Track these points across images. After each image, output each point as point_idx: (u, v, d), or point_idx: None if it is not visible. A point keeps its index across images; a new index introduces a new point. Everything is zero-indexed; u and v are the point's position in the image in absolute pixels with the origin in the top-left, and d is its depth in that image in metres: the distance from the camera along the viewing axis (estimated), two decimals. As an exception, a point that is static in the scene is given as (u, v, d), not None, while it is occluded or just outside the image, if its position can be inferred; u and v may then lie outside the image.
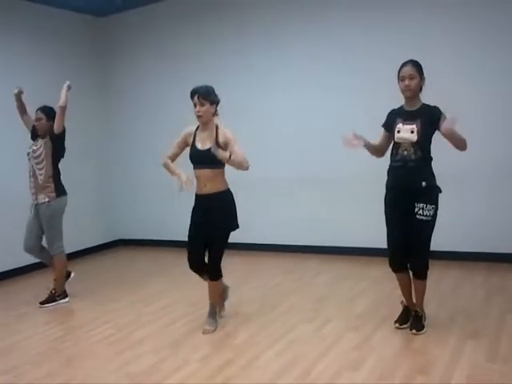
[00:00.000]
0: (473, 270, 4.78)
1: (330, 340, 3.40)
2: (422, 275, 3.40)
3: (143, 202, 6.88)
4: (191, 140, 3.66)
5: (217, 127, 3.60)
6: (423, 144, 3.28)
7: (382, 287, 4.31)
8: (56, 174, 4.54)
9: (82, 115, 6.60)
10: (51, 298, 4.55)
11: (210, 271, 3.70)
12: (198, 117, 3.57)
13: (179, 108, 6.30)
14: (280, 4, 5.74)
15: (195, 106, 3.56)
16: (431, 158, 3.37)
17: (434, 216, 3.31)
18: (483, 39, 4.89)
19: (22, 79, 5.83)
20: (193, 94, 3.56)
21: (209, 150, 3.50)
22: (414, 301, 3.51)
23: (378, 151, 3.56)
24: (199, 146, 3.60)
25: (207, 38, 6.23)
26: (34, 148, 4.51)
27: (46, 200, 4.46)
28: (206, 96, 3.52)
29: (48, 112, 4.52)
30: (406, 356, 3.11)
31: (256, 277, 5.07)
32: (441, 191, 3.36)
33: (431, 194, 3.31)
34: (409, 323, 3.49)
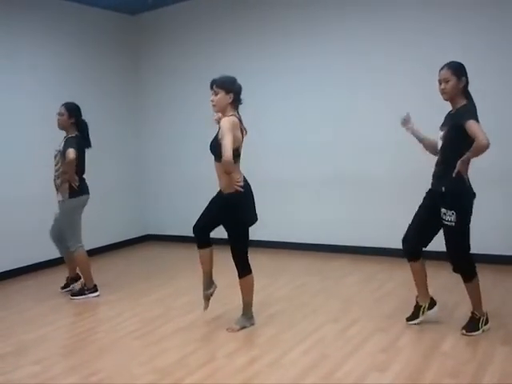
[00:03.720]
0: (507, 274, 4.66)
1: (356, 341, 3.37)
2: (464, 279, 3.37)
3: (173, 198, 6.94)
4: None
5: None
6: (448, 149, 3.27)
7: (410, 288, 4.23)
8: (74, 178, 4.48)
9: (113, 113, 6.72)
10: (81, 291, 4.64)
11: (236, 267, 3.69)
12: (213, 106, 3.51)
13: (209, 107, 6.39)
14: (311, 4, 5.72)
15: (212, 94, 3.50)
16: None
17: (459, 222, 3.22)
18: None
19: (57, 77, 5.99)
20: (210, 84, 3.52)
21: (212, 140, 3.46)
22: (422, 296, 3.55)
23: (428, 147, 3.56)
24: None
25: (240, 37, 6.23)
26: (57, 148, 4.54)
27: (61, 199, 4.52)
28: (220, 84, 3.46)
29: (70, 108, 4.53)
30: (434, 358, 3.05)
31: (283, 275, 5.05)
32: (474, 196, 3.27)
33: (452, 199, 3.25)
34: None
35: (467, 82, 3.27)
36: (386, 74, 5.35)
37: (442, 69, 3.28)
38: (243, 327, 3.68)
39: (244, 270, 3.69)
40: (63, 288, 4.86)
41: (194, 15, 6.51)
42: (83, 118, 4.63)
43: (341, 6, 5.54)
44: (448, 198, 3.26)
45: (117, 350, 3.47)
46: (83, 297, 4.61)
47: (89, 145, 4.63)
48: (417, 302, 3.59)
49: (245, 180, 3.56)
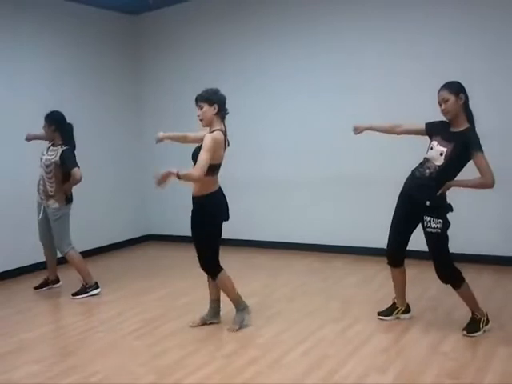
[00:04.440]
0: (506, 275, 4.66)
1: (357, 341, 3.37)
2: (453, 287, 3.43)
3: (174, 197, 6.93)
4: None
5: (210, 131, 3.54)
6: (447, 169, 3.29)
7: (411, 289, 4.24)
8: (63, 187, 4.59)
9: (113, 113, 6.71)
10: (82, 290, 4.65)
11: (208, 270, 3.71)
12: (200, 121, 3.58)
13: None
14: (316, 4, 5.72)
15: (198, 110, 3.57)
16: (452, 178, 3.33)
17: (444, 228, 3.31)
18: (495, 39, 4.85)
19: (56, 77, 5.99)
20: (195, 100, 3.58)
21: (196, 149, 3.55)
22: (400, 300, 3.69)
23: (390, 131, 3.73)
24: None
25: (241, 37, 6.22)
26: (47, 157, 4.58)
27: (57, 206, 4.58)
28: (203, 98, 3.52)
29: (48, 118, 4.59)
30: (435, 359, 3.05)
31: (283, 275, 5.05)
32: (451, 210, 3.36)
33: (438, 209, 3.33)
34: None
35: (467, 100, 3.29)
36: (386, 73, 5.35)
37: (439, 90, 3.31)
38: (242, 321, 3.70)
39: (217, 270, 3.68)
40: (37, 288, 4.91)
41: (195, 16, 6.50)
42: (68, 122, 4.68)
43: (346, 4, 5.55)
44: (434, 209, 3.33)
45: (117, 349, 3.47)
46: (85, 295, 4.62)
47: (74, 148, 4.67)
48: (394, 303, 3.72)
49: (218, 192, 3.68)
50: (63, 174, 4.58)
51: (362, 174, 5.56)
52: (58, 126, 4.59)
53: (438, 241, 3.36)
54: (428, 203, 3.34)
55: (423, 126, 3.54)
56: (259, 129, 6.19)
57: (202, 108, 3.53)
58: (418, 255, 4.44)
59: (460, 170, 3.34)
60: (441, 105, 3.28)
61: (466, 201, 4.54)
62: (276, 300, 4.30)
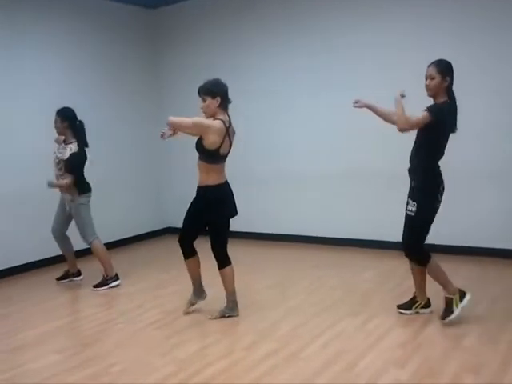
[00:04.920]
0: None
1: (375, 335, 3.35)
2: (417, 264, 3.52)
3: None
4: None
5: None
6: (422, 143, 3.40)
7: (430, 285, 4.20)
8: (77, 181, 4.61)
9: (133, 109, 6.74)
10: (103, 282, 4.71)
11: (216, 259, 3.80)
12: (203, 113, 3.62)
13: (233, 100, 6.37)
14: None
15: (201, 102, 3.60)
16: (428, 160, 3.39)
17: (418, 214, 3.36)
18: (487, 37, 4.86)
19: (76, 71, 6.04)
20: (198, 92, 3.61)
21: (198, 139, 3.58)
22: (419, 294, 3.65)
23: (388, 118, 3.63)
24: None
25: (261, 30, 6.18)
26: (58, 155, 4.64)
27: (69, 198, 4.64)
28: (205, 90, 3.56)
29: (62, 114, 4.60)
30: (454, 354, 3.02)
31: (301, 269, 5.04)
32: (434, 194, 3.37)
33: (418, 191, 3.40)
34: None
35: (451, 83, 3.35)
36: (393, 68, 5.30)
37: (429, 65, 3.35)
38: (223, 316, 3.79)
39: (224, 261, 3.78)
40: (59, 279, 4.98)
41: (213, 9, 6.48)
42: (79, 119, 4.69)
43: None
44: (415, 191, 3.42)
45: (137, 341, 3.51)
46: (106, 287, 4.67)
47: (86, 145, 4.71)
48: (414, 297, 3.69)
49: (226, 182, 3.75)
50: (73, 170, 4.62)
51: (378, 168, 5.50)
52: (71, 123, 4.62)
53: (410, 224, 3.43)
54: (413, 183, 3.44)
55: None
56: (277, 124, 6.17)
57: (205, 100, 3.57)
58: (443, 249, 4.42)
59: (436, 142, 3.36)
60: (426, 79, 3.34)
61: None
62: (294, 293, 4.30)
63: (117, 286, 4.72)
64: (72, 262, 4.99)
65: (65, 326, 3.87)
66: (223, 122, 3.59)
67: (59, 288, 4.85)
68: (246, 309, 3.91)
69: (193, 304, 3.97)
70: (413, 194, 3.44)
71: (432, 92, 3.34)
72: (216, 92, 3.55)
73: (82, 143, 4.65)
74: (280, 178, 6.20)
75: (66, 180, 4.54)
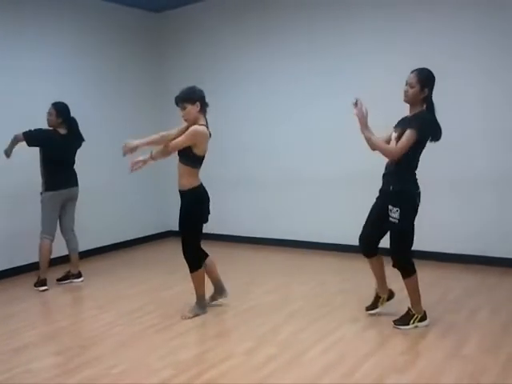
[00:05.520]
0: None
1: (376, 341, 3.35)
2: (402, 275, 3.49)
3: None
4: None
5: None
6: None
7: (433, 291, 4.20)
8: (46, 172, 4.76)
9: (136, 111, 6.77)
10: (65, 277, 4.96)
11: (187, 262, 3.90)
12: (185, 121, 3.72)
13: (236, 103, 6.40)
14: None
15: (180, 111, 3.70)
16: (408, 165, 3.38)
17: (403, 219, 3.34)
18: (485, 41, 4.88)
19: (84, 73, 6.08)
20: (175, 101, 3.69)
21: (184, 149, 3.67)
22: (380, 289, 3.73)
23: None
24: None
25: (265, 34, 6.20)
26: None
27: (40, 191, 4.81)
28: (184, 99, 3.65)
29: (58, 108, 4.74)
30: (455, 362, 3.01)
31: (302, 274, 5.04)
32: (417, 195, 3.38)
33: (397, 196, 3.38)
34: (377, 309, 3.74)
35: (430, 94, 3.34)
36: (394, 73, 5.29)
37: (411, 72, 3.35)
38: (196, 315, 3.85)
39: (194, 264, 3.84)
40: (59, 280, 5.03)
41: (220, 12, 6.51)
42: (72, 115, 4.83)
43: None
44: (394, 196, 3.39)
45: (137, 343, 3.51)
46: (67, 281, 4.92)
47: (80, 139, 4.86)
48: (376, 294, 3.77)
49: (202, 186, 3.85)
50: (44, 157, 4.74)
51: (380, 173, 5.48)
52: (66, 118, 4.75)
53: (395, 231, 3.41)
54: (391, 188, 3.41)
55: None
56: (276, 126, 6.18)
57: (185, 108, 3.66)
58: (436, 257, 4.40)
59: (416, 152, 3.35)
60: (406, 84, 3.35)
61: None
62: (295, 298, 4.30)
63: (45, 290, 4.76)
64: (73, 262, 5.00)
65: (65, 328, 3.87)
66: (206, 126, 3.69)
67: (60, 289, 4.85)
68: (246, 313, 3.91)
69: (215, 299, 4.10)
70: (392, 199, 3.40)
71: (409, 99, 3.36)
72: (195, 98, 3.66)
73: (76, 136, 4.79)
74: (279, 182, 6.20)
75: None
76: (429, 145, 3.41)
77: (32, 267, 5.37)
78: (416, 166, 3.45)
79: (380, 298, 3.76)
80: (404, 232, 3.41)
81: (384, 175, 3.55)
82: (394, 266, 3.49)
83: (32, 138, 4.63)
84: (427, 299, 3.86)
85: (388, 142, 3.49)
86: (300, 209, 6.09)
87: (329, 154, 5.85)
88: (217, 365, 3.09)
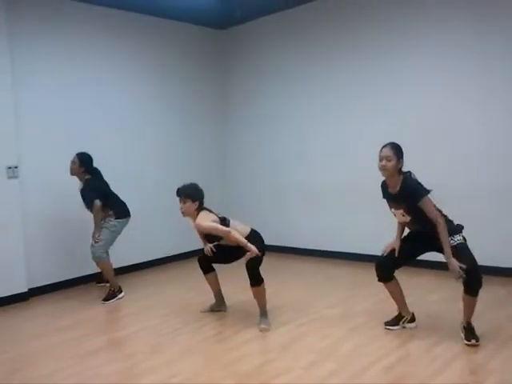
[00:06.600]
0: None
1: (443, 360, 3.21)
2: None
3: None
4: None
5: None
6: (418, 219, 3.52)
7: (503, 307, 3.98)
8: (112, 204, 4.98)
9: (201, 128, 6.93)
10: (111, 295, 4.95)
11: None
12: (182, 213, 4.01)
13: (298, 120, 6.42)
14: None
15: (180, 202, 3.99)
16: (437, 221, 3.43)
17: (463, 238, 3.50)
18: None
19: (148, 92, 6.29)
20: (177, 193, 4.00)
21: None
22: (402, 310, 3.84)
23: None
24: None
25: (330, 48, 6.16)
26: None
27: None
28: (187, 195, 3.97)
29: (81, 159, 4.91)
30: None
31: (363, 288, 4.92)
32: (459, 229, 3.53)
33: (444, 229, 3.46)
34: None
35: (402, 164, 3.53)
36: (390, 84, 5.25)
37: (384, 147, 3.52)
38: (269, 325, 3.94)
39: (259, 279, 4.00)
40: (98, 282, 5.46)
41: (283, 27, 6.53)
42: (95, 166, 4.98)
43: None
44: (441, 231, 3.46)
45: (198, 352, 3.56)
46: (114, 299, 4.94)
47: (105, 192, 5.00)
48: (399, 313, 3.83)
49: (251, 232, 4.10)
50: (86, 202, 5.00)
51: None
52: (87, 168, 4.92)
53: (467, 250, 3.46)
54: (452, 242, 3.46)
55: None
56: (347, 139, 6.12)
57: (185, 202, 3.96)
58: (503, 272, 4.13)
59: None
60: (382, 160, 3.48)
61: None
62: (357, 312, 4.21)
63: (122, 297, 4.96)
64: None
65: (131, 335, 3.99)
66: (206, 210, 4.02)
67: (126, 298, 4.98)
68: (307, 326, 3.87)
69: (212, 310, 4.41)
70: (446, 233, 3.44)
71: (388, 173, 3.50)
72: (196, 197, 3.97)
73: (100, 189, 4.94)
74: (307, 191, 6.12)
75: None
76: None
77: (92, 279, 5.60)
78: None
79: (403, 317, 3.81)
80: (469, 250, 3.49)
81: (421, 232, 3.64)
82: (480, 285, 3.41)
83: (101, 197, 4.86)
84: (497, 316, 3.67)
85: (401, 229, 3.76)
86: (364, 221, 5.97)
87: (359, 166, 5.83)
88: (275, 378, 3.07)
